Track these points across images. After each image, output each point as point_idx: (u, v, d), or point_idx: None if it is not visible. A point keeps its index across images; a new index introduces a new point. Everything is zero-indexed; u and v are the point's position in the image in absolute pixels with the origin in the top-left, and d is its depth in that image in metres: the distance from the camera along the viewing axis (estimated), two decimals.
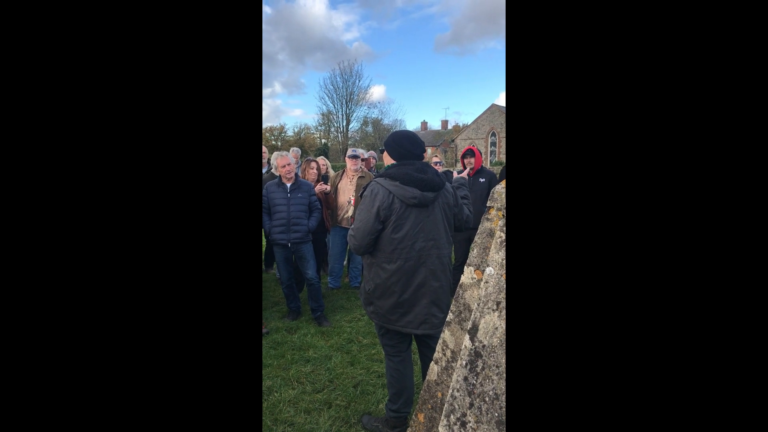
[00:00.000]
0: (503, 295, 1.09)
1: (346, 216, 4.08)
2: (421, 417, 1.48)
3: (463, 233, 3.90)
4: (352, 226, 1.96)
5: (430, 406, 1.46)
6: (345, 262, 4.81)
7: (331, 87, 43.47)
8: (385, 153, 2.04)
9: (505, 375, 1.03)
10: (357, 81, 41.15)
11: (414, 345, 2.35)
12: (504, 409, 1.02)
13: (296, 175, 3.55)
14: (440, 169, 4.55)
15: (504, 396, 1.03)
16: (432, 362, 1.49)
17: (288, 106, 72.79)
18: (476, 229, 1.43)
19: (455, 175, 2.54)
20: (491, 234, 1.33)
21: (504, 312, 1.08)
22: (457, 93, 75.19)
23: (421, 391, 1.49)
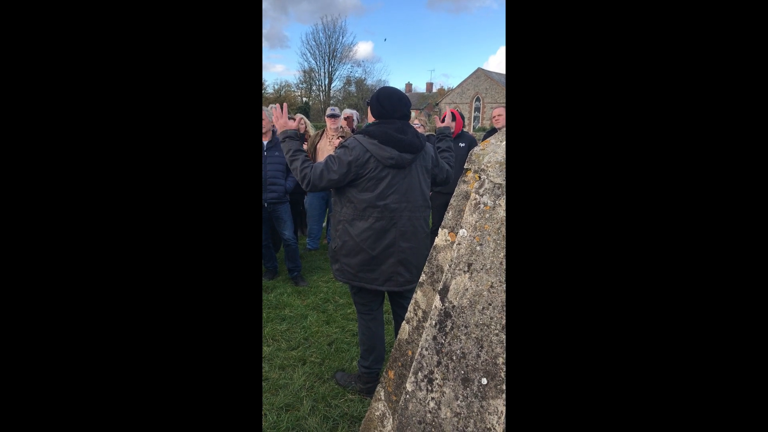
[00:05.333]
0: (474, 257, 1.09)
1: None
2: (391, 374, 1.52)
3: (440, 199, 3.92)
4: (317, 164, 1.91)
5: (400, 364, 1.50)
6: (324, 224, 4.79)
7: (314, 43, 41.84)
8: (369, 108, 1.99)
9: (473, 335, 1.05)
10: (340, 37, 39.65)
11: (388, 305, 2.39)
12: (470, 368, 1.05)
13: (273, 132, 3.43)
14: (422, 130, 4.48)
15: (471, 355, 1.05)
16: (404, 322, 1.51)
17: (269, 60, 69.55)
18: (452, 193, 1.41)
19: (438, 123, 2.51)
20: (467, 196, 1.32)
21: (474, 273, 1.08)
22: (446, 54, 73.31)
23: (393, 349, 1.52)
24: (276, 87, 39.25)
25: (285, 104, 2.09)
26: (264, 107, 3.47)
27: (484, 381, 1.01)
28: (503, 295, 1.01)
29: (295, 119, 4.24)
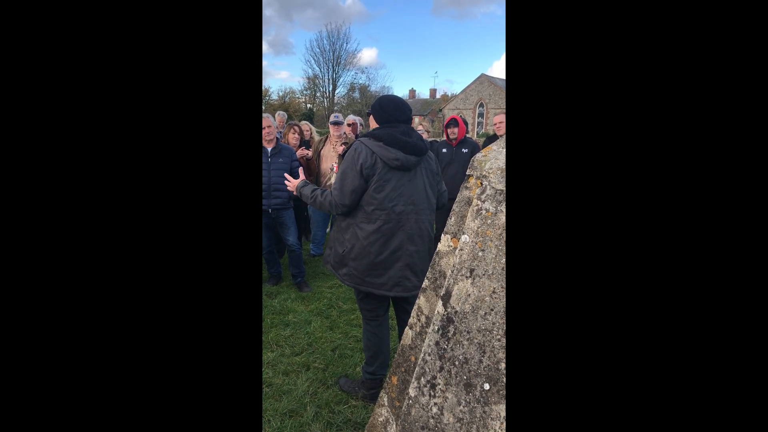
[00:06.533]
0: (477, 262, 1.10)
1: (328, 183, 4.03)
2: (394, 379, 1.52)
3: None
4: (333, 185, 1.93)
5: (403, 369, 1.50)
6: (328, 230, 4.80)
7: (318, 50, 42.15)
8: (371, 117, 2.02)
9: (476, 341, 1.06)
10: (344, 44, 39.91)
11: (392, 311, 2.39)
12: (472, 373, 1.05)
13: (277, 139, 3.46)
14: (426, 136, 4.50)
15: (473, 360, 1.05)
16: (407, 327, 1.52)
17: (274, 67, 70.12)
18: (454, 200, 1.42)
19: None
20: (469, 202, 1.33)
21: (476, 279, 1.09)
22: (450, 60, 73.47)
23: (396, 355, 1.53)
24: (280, 93, 39.56)
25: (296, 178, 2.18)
26: (269, 115, 3.51)
27: (487, 386, 1.02)
28: (505, 301, 1.02)
29: (299, 126, 4.26)
